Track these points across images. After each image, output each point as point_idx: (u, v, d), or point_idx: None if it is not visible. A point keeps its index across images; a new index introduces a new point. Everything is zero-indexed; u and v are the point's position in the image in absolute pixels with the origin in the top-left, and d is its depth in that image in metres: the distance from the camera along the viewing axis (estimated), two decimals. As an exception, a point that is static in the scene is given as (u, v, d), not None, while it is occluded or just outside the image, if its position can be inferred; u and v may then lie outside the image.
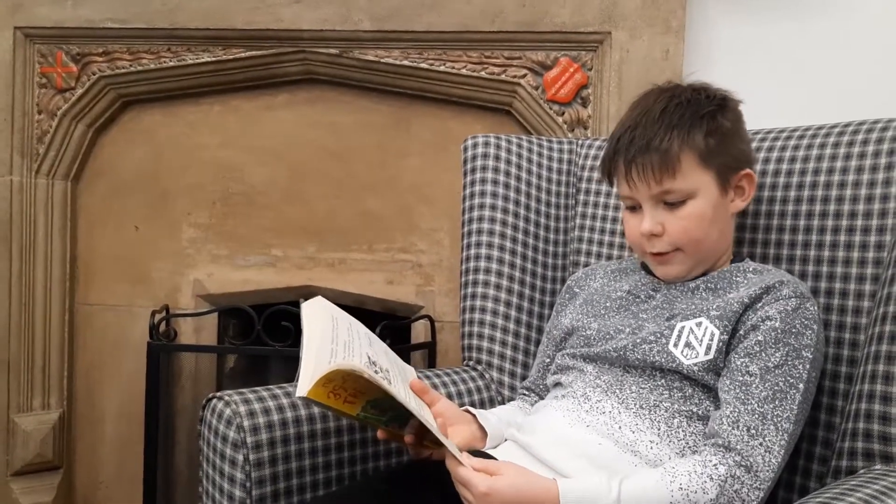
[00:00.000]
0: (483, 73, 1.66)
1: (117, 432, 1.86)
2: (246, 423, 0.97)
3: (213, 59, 1.73)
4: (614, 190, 1.11)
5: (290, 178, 1.79)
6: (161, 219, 1.83)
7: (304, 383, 0.83)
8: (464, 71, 1.67)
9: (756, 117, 1.44)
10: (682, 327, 0.96)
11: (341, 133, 1.77)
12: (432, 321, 1.73)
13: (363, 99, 1.76)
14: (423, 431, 0.94)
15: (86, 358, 1.87)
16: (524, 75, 1.65)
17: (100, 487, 1.86)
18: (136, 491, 1.77)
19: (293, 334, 1.61)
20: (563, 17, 1.62)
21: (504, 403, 1.20)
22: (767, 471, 0.86)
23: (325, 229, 1.79)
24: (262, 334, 1.62)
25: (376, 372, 0.86)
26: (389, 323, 1.60)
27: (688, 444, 0.93)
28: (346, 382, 0.85)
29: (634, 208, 1.02)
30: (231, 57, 1.73)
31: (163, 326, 1.76)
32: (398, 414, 0.91)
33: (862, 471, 0.91)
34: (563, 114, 1.64)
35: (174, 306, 1.81)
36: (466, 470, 0.86)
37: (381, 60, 1.69)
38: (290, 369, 1.90)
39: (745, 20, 1.70)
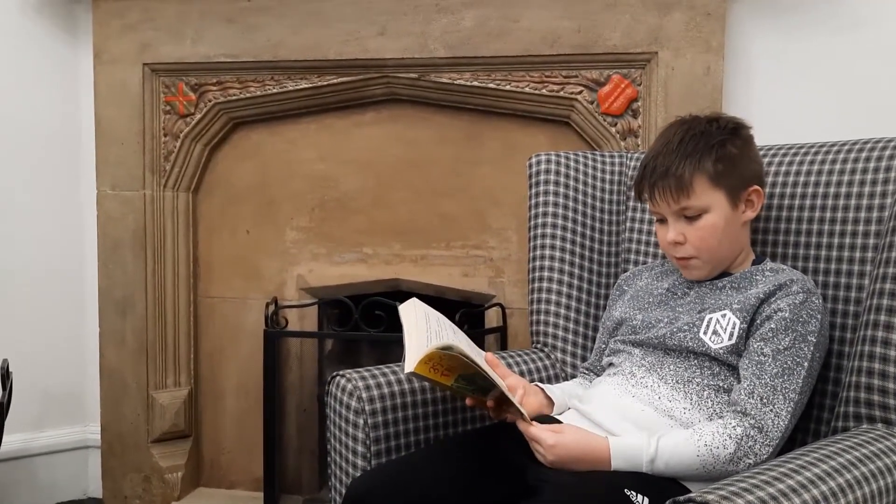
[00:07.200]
0: (544, 91, 1.86)
1: (236, 406, 2.12)
2: (364, 395, 1.23)
3: (310, 85, 1.97)
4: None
5: (377, 185, 2.02)
6: (268, 223, 2.07)
7: (411, 362, 1.08)
8: (527, 89, 1.87)
9: (791, 127, 1.57)
10: (710, 318, 1.16)
11: (421, 145, 1.99)
12: (503, 308, 1.95)
13: (439, 115, 1.97)
14: (502, 399, 1.17)
15: (208, 343, 2.13)
16: (580, 91, 1.85)
17: (223, 452, 2.14)
18: (253, 455, 2.05)
19: (385, 321, 1.85)
20: (615, 40, 1.80)
21: (567, 380, 1.43)
22: (776, 431, 1.06)
23: (408, 230, 2.01)
24: (359, 322, 1.88)
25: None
26: (466, 310, 1.84)
27: (715, 410, 1.14)
28: (441, 360, 1.10)
29: (662, 221, 1.22)
30: (325, 83, 1.96)
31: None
32: (482, 386, 1.15)
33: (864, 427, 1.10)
34: (616, 124, 1.84)
35: (281, 298, 2.05)
36: (536, 428, 1.10)
37: (455, 82, 1.90)
38: (379, 351, 2.19)
39: (781, 36, 1.81)
